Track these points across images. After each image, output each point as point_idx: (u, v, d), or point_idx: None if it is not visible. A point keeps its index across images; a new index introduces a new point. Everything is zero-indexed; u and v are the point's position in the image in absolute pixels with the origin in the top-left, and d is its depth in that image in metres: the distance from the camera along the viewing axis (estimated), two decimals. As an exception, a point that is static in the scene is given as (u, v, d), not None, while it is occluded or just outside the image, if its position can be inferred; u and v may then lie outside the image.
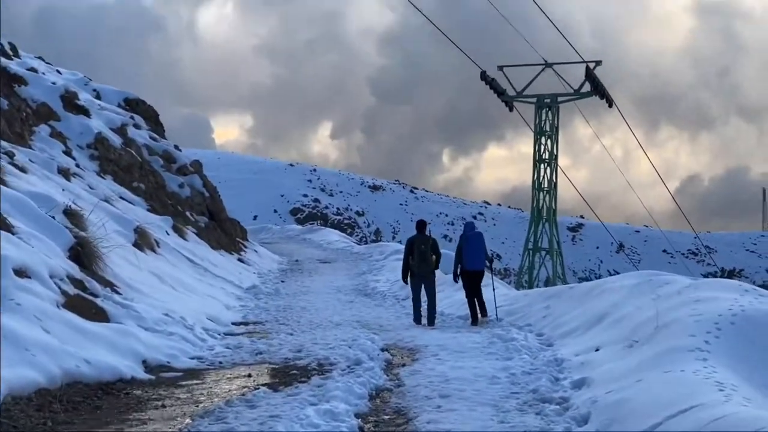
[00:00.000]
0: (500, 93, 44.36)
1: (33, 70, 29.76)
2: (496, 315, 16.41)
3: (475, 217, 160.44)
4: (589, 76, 42.51)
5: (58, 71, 35.84)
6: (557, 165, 44.12)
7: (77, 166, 25.86)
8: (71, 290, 10.96)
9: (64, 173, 23.41)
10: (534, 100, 44.38)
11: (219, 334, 13.27)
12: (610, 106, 43.79)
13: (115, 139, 28.76)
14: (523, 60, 46.34)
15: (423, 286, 16.94)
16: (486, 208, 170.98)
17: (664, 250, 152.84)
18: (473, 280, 16.71)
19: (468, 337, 13.35)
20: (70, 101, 28.59)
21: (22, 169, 20.42)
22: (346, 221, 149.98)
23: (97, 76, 37.02)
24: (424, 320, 16.61)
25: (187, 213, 29.82)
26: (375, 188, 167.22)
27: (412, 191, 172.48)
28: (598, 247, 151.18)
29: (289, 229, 54.77)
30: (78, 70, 37.69)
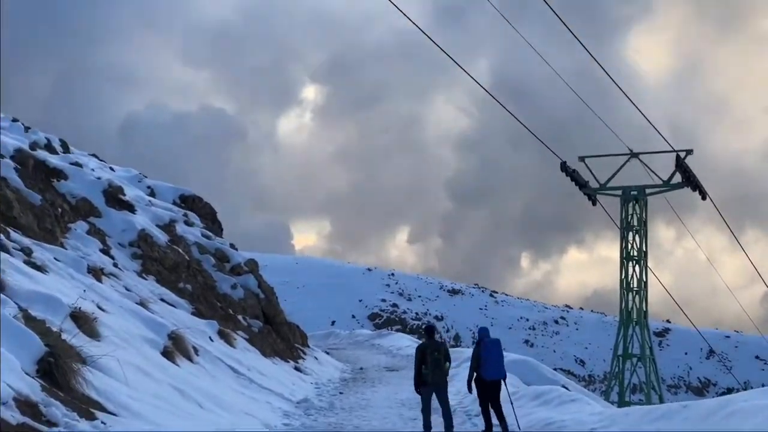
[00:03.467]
0: (582, 185, 41.19)
1: (77, 164, 27.86)
2: (518, 426, 15.56)
3: (557, 322, 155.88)
4: (680, 166, 39.15)
5: (111, 168, 34.18)
6: (647, 263, 40.50)
7: (115, 265, 23.58)
8: (15, 418, 8.12)
9: (95, 273, 21.07)
10: (619, 192, 41.07)
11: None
12: (704, 198, 40.21)
13: (161, 237, 26.48)
14: (604, 152, 43.28)
15: (435, 394, 15.79)
16: (568, 312, 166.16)
17: (757, 356, 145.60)
18: (492, 391, 15.73)
19: None
20: (113, 196, 26.52)
21: (40, 268, 18.11)
22: (424, 326, 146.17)
23: (180, 183, 35.40)
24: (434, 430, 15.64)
25: (239, 316, 27.17)
26: (454, 292, 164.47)
27: (491, 295, 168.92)
28: (686, 353, 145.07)
29: (358, 334, 51.80)
30: (161, 177, 36.10)
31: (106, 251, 23.84)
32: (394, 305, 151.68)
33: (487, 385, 15.71)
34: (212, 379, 19.11)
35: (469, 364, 16.25)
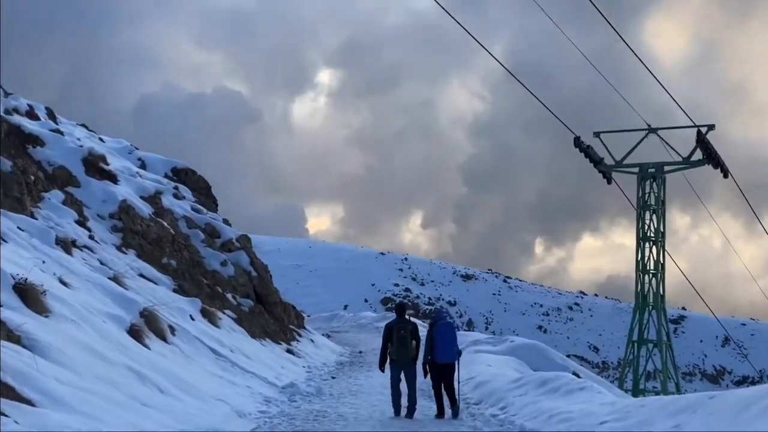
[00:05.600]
0: (597, 162, 39.15)
1: (58, 132, 26.13)
2: (458, 407, 15.64)
3: (570, 308, 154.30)
4: (701, 141, 37.05)
5: (100, 139, 32.47)
6: (665, 244, 38.47)
7: (91, 237, 21.90)
8: None
9: (64, 245, 19.38)
10: (636, 169, 38.99)
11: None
12: (726, 176, 38.11)
13: (144, 209, 24.77)
14: (620, 123, 41.33)
15: (402, 374, 15.66)
16: (582, 298, 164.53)
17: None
18: (443, 374, 15.64)
19: None
20: (93, 165, 24.81)
21: (-6, 238, 16.41)
22: (444, 314, 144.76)
23: (192, 163, 33.52)
24: (404, 410, 15.47)
25: (228, 295, 25.45)
26: (467, 277, 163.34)
27: (505, 281, 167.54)
28: (701, 341, 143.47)
29: (362, 316, 50.02)
30: (174, 157, 34.14)
31: (82, 223, 22.15)
32: (407, 290, 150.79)
33: (439, 367, 15.60)
34: (186, 361, 17.42)
35: (477, 349, 15.67)
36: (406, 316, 16.32)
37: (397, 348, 15.63)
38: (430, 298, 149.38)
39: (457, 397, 15.90)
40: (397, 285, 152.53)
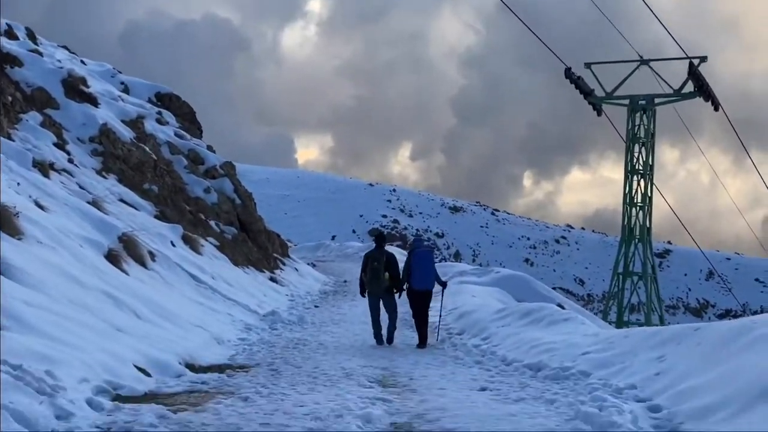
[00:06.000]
0: (587, 93, 38.61)
1: (37, 52, 25.48)
2: (437, 338, 15.98)
3: (557, 241, 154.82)
4: (693, 73, 36.52)
5: (82, 61, 31.77)
6: (653, 177, 38.19)
7: (70, 161, 21.45)
8: None
9: (42, 168, 18.94)
10: (626, 101, 38.52)
11: (116, 401, 8.00)
12: (716, 109, 37.70)
13: (126, 133, 24.28)
14: (612, 59, 40.64)
15: (382, 303, 15.72)
16: (569, 231, 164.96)
17: (757, 279, 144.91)
18: (420, 301, 15.63)
19: (533, 420, 7.88)
20: (73, 87, 24.22)
21: (-34, 158, 15.99)
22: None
23: (179, 91, 32.72)
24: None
25: (211, 222, 25.13)
26: (455, 210, 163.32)
27: (493, 213, 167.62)
28: (686, 274, 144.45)
29: (348, 246, 49.81)
30: (161, 83, 33.25)
31: (60, 146, 21.69)
32: (395, 221, 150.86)
33: (416, 294, 15.59)
34: (166, 288, 17.16)
35: (462, 280, 15.50)
36: (385, 247, 16.17)
37: (369, 279, 15.63)
38: (417, 230, 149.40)
39: (433, 325, 16.18)
40: (385, 216, 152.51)
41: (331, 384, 9.99)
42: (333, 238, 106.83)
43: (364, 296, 16.15)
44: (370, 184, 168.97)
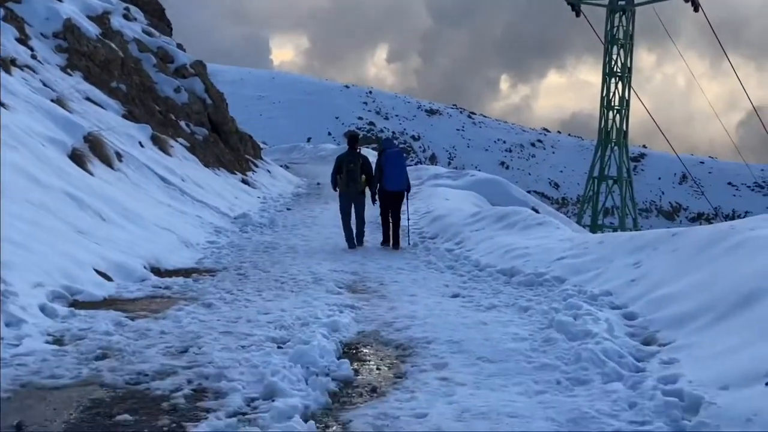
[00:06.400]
0: (567, -7, 37.86)
1: (-3, -57, 24.34)
2: (408, 242, 15.88)
3: (533, 145, 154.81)
4: (674, -27, 35.86)
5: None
6: (631, 79, 37.73)
7: (33, 57, 20.66)
8: None
9: (3, 64, 18.22)
10: (605, 2, 37.79)
11: (72, 307, 7.69)
12: (696, 10, 37.08)
13: (91, 29, 23.42)
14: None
15: (353, 205, 15.63)
16: (545, 135, 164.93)
17: (729, 183, 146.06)
18: (392, 202, 15.59)
19: (505, 328, 7.64)
20: (35, -20, 23.15)
21: None
22: (401, 145, 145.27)
23: None
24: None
25: (181, 122, 24.55)
26: (432, 112, 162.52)
27: (469, 116, 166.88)
28: (660, 178, 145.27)
29: (323, 148, 49.26)
30: None
31: (23, 41, 20.85)
32: (371, 123, 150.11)
33: (389, 195, 15.55)
34: (133, 189, 16.74)
35: (436, 182, 15.16)
36: (358, 149, 16.03)
37: (345, 182, 15.45)
38: (393, 132, 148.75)
39: (405, 225, 16.30)
40: (360, 118, 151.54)
41: (299, 290, 9.74)
42: (308, 140, 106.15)
43: (336, 190, 15.97)
44: (346, 86, 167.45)
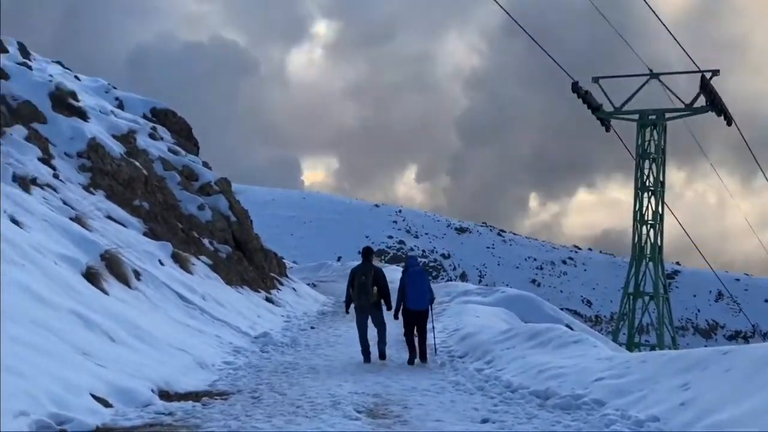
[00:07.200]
0: (595, 108, 37.61)
1: (26, 66, 24.59)
2: (435, 352, 16.11)
3: (564, 262, 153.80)
4: (705, 87, 35.55)
5: (76, 77, 30.86)
6: (664, 193, 37.14)
7: (55, 176, 20.45)
8: None
9: (23, 183, 17.98)
10: (636, 116, 37.53)
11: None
12: (729, 124, 36.69)
13: (116, 148, 23.31)
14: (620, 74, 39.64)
15: (370, 319, 15.66)
16: (576, 252, 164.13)
17: (767, 300, 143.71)
18: (416, 320, 15.56)
19: None
20: (61, 101, 23.30)
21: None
22: (431, 264, 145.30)
23: (188, 116, 32.01)
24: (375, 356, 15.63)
25: (205, 240, 24.11)
26: (461, 230, 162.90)
27: (499, 234, 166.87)
28: (695, 296, 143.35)
29: (350, 265, 48.55)
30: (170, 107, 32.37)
31: (46, 160, 20.69)
32: (401, 242, 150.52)
33: (412, 314, 15.52)
34: (150, 309, 16.11)
35: (467, 299, 14.73)
36: (373, 262, 16.13)
37: (357, 294, 15.59)
38: (423, 251, 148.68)
39: (432, 343, 16.29)
40: (390, 237, 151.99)
41: (314, 415, 8.92)
42: (339, 259, 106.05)
43: (348, 312, 16.20)
44: (376, 205, 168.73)
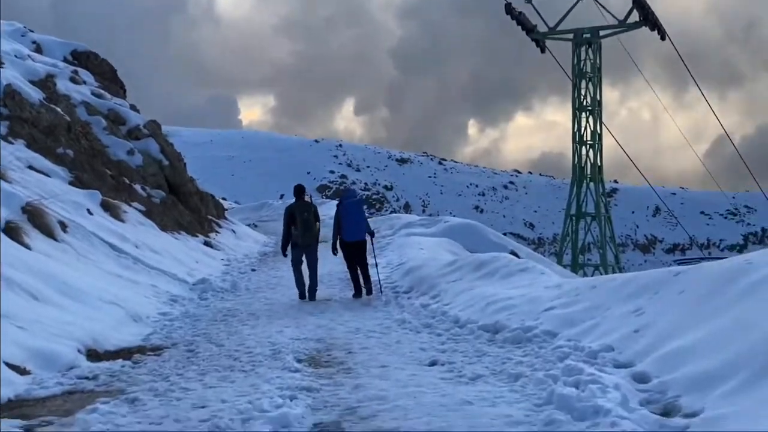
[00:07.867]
0: (529, 30, 37.02)
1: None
2: (380, 290, 15.48)
3: (506, 187, 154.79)
4: (638, 2, 35.14)
5: (-11, 22, 29.29)
6: (601, 112, 36.89)
7: (-31, 127, 19.35)
8: None
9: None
10: (571, 36, 37.04)
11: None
12: (663, 38, 36.37)
13: (34, 94, 22.14)
14: None
15: (305, 255, 15.65)
16: (517, 176, 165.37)
17: (702, 212, 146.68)
18: (354, 252, 15.44)
19: (494, 408, 6.22)
20: (-29, 47, 21.95)
21: None
22: (375, 196, 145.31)
23: (117, 60, 30.69)
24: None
25: (136, 186, 23.21)
26: (402, 161, 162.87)
27: (440, 163, 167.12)
28: (633, 212, 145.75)
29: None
30: (97, 51, 30.93)
31: (-42, 112, 19.60)
32: (343, 176, 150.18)
33: (349, 246, 15.39)
34: (79, 261, 15.33)
35: (409, 231, 14.40)
36: (306, 198, 16.02)
37: (302, 232, 15.47)
38: (366, 184, 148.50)
39: (377, 279, 15.85)
40: (332, 172, 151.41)
41: (251, 368, 8.35)
42: (281, 197, 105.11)
43: (285, 255, 16.15)
44: (316, 141, 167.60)
